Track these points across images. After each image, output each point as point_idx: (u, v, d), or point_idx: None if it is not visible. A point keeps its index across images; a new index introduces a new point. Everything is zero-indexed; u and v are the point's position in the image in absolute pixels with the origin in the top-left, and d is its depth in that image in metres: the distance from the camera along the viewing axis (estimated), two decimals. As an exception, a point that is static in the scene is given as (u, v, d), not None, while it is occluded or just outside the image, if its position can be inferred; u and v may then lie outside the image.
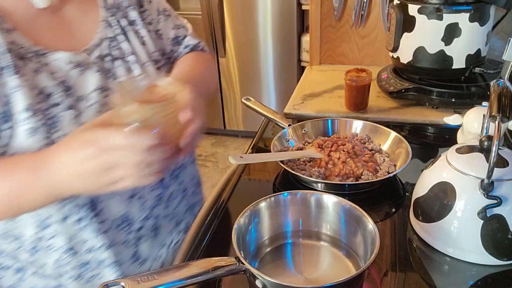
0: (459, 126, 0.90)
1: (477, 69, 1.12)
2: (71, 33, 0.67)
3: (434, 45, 1.09)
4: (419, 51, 1.12)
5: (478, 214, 0.63)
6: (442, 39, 1.08)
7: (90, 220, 0.66)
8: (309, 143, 0.97)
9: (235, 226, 0.61)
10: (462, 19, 1.05)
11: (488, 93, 0.66)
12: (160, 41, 0.80)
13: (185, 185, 0.82)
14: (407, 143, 0.89)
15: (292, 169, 0.85)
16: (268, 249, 0.68)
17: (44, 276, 0.71)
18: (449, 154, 0.69)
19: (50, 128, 0.60)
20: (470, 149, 0.68)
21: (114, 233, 0.70)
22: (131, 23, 0.74)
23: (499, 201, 0.61)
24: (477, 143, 0.68)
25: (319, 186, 0.84)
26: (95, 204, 0.66)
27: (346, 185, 0.81)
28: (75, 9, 0.68)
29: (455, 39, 1.07)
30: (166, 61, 0.82)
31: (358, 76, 1.12)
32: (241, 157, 0.82)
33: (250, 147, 1.05)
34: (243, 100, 1.08)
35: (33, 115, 0.58)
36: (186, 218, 0.84)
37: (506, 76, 1.01)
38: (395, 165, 0.87)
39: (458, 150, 0.69)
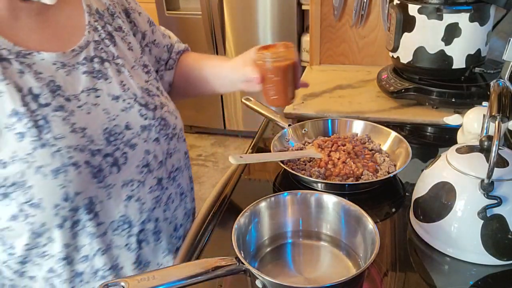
0: (459, 126, 0.90)
1: (477, 69, 1.11)
2: (56, 35, 0.66)
3: (434, 45, 1.09)
4: (419, 51, 1.12)
5: (478, 214, 0.63)
6: (442, 39, 1.08)
7: (86, 224, 0.64)
8: (309, 143, 0.97)
9: (235, 226, 0.61)
10: (462, 19, 1.05)
11: (488, 93, 0.66)
12: (158, 50, 0.87)
13: (182, 189, 0.81)
14: (407, 143, 0.89)
15: (292, 169, 0.85)
16: (268, 249, 0.68)
17: None
18: (449, 154, 0.69)
19: (40, 130, 0.59)
20: (470, 149, 0.68)
21: (111, 237, 0.68)
22: (118, 29, 0.74)
23: (499, 201, 0.61)
24: (477, 143, 0.68)
25: (319, 186, 0.84)
26: (93, 205, 0.64)
27: (346, 185, 0.81)
28: (59, 13, 0.67)
29: (455, 39, 1.07)
30: (163, 67, 0.89)
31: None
32: (241, 157, 0.82)
33: (250, 147, 1.05)
34: (243, 100, 1.08)
35: (20, 119, 0.58)
36: (184, 224, 0.82)
37: (506, 76, 1.00)
38: (395, 165, 0.87)
39: (458, 150, 0.69)
